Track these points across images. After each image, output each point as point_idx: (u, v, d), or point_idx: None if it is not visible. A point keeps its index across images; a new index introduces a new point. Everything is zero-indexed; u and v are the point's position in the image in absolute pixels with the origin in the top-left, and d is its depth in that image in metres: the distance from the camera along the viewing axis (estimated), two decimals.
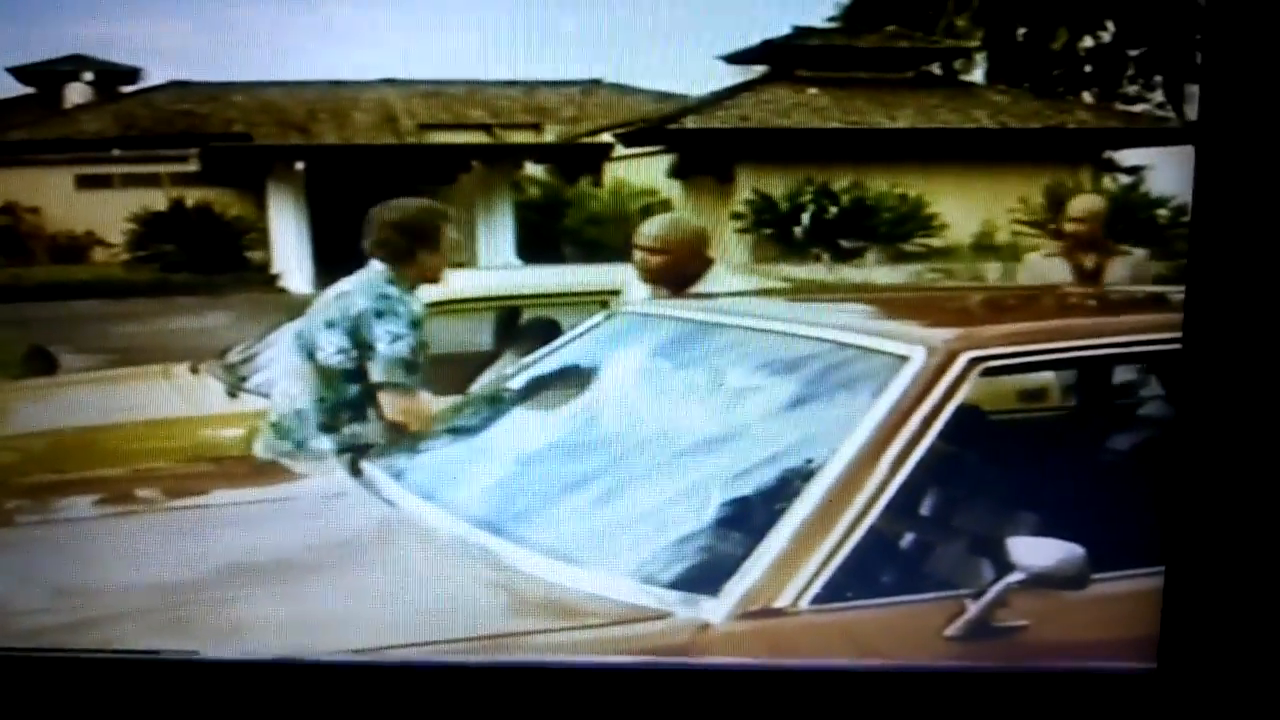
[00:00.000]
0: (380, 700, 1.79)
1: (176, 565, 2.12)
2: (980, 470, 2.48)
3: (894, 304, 3.12)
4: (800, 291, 3.46)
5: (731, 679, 1.81)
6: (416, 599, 1.93)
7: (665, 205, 12.90)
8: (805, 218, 11.78)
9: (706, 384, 2.55)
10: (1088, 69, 14.02)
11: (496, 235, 11.44)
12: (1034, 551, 1.86)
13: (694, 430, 2.39)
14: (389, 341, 2.91)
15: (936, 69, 13.82)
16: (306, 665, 1.79)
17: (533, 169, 12.88)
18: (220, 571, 2.11)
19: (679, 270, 3.27)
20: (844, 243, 11.67)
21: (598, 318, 3.00)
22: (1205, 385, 1.52)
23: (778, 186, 11.94)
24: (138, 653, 1.81)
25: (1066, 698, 1.76)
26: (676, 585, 1.92)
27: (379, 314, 2.93)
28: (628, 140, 12.66)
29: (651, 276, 3.31)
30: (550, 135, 13.49)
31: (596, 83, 14.21)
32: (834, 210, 11.81)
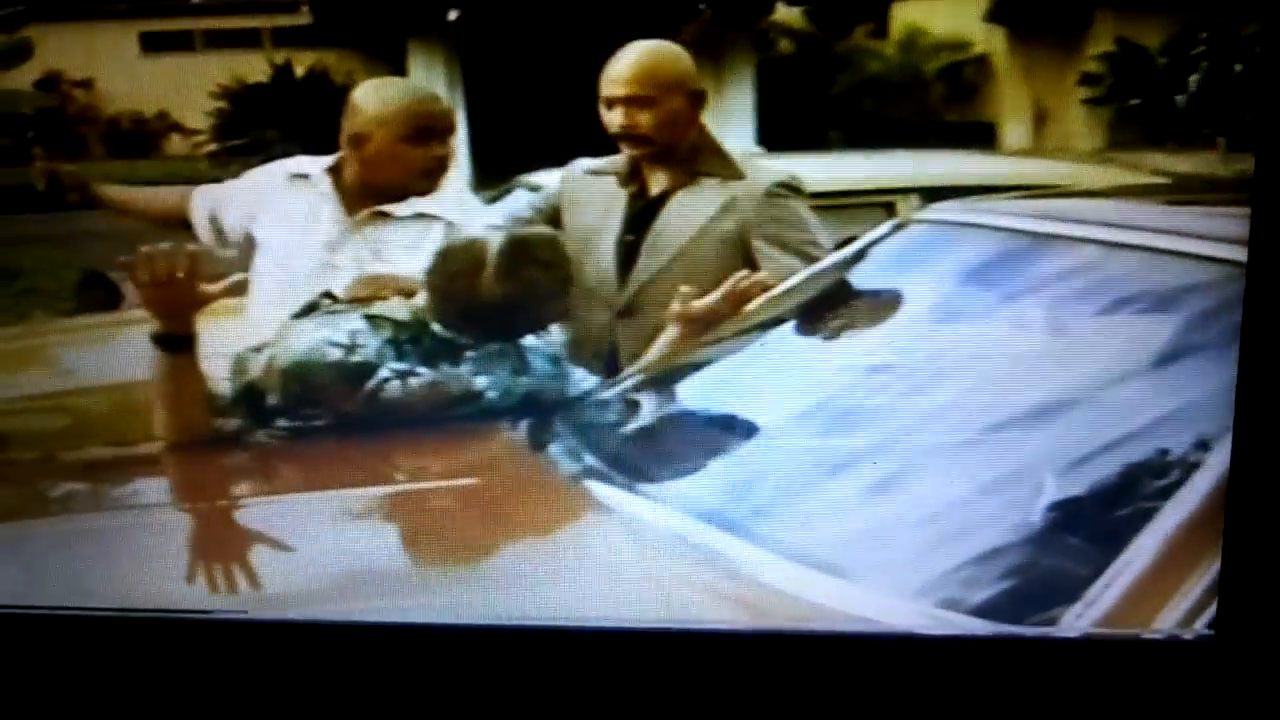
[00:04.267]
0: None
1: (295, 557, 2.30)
2: None
3: None
4: (1182, 191, 3.37)
5: None
6: (616, 615, 2.03)
7: (980, 63, 12.69)
8: (1193, 81, 11.39)
9: (1039, 326, 2.54)
10: None
11: (732, 111, 11.48)
12: None
13: (1017, 394, 2.39)
14: None
15: None
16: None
17: (786, 12, 12.87)
18: (356, 572, 2.29)
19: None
20: (1249, 119, 11.21)
21: (883, 228, 3.02)
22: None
23: (1153, 34, 11.57)
24: (187, 612, 2.08)
25: (1122, 665, 1.99)
26: (987, 613, 1.96)
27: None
28: None
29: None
30: None
31: None
32: (1238, 68, 11.37)
